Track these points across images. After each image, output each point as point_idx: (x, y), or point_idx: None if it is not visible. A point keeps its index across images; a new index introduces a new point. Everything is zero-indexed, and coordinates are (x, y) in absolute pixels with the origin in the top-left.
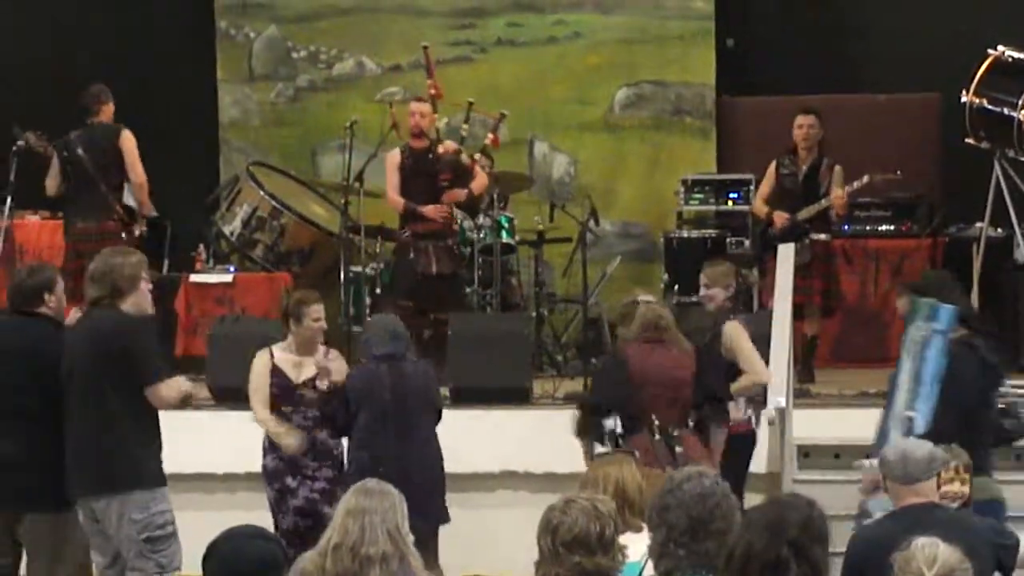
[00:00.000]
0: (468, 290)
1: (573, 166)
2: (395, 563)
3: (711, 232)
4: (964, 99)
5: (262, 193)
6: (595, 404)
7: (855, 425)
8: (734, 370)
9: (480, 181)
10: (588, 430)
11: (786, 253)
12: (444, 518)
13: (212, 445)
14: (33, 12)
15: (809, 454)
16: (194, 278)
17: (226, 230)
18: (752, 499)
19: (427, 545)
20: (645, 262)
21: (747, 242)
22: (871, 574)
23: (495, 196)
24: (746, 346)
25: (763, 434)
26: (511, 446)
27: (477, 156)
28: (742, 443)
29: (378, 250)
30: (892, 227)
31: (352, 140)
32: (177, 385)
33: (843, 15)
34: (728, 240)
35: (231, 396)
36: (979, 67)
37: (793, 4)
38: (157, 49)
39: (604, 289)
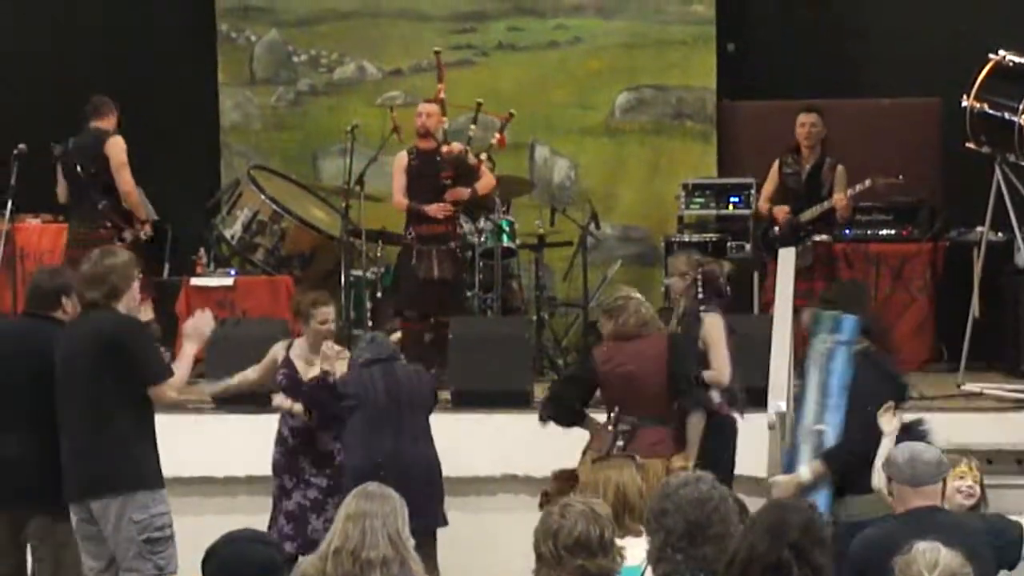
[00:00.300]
0: (469, 294)
1: (574, 170)
2: (396, 567)
3: (712, 236)
4: (965, 103)
5: (263, 197)
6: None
7: None
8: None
9: (486, 181)
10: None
11: (787, 257)
12: (441, 522)
13: (212, 448)
14: (34, 14)
15: None
16: (195, 281)
17: (227, 234)
18: (753, 503)
19: (424, 549)
20: (646, 266)
21: (748, 246)
22: (869, 573)
23: (497, 200)
24: (719, 342)
25: (764, 437)
26: (512, 450)
27: (483, 156)
28: (718, 427)
29: (379, 254)
30: (893, 231)
31: (353, 144)
32: (178, 381)
33: (844, 19)
34: (729, 244)
35: (231, 399)
36: (980, 72)
37: (794, 8)
38: (158, 52)
39: (604, 293)
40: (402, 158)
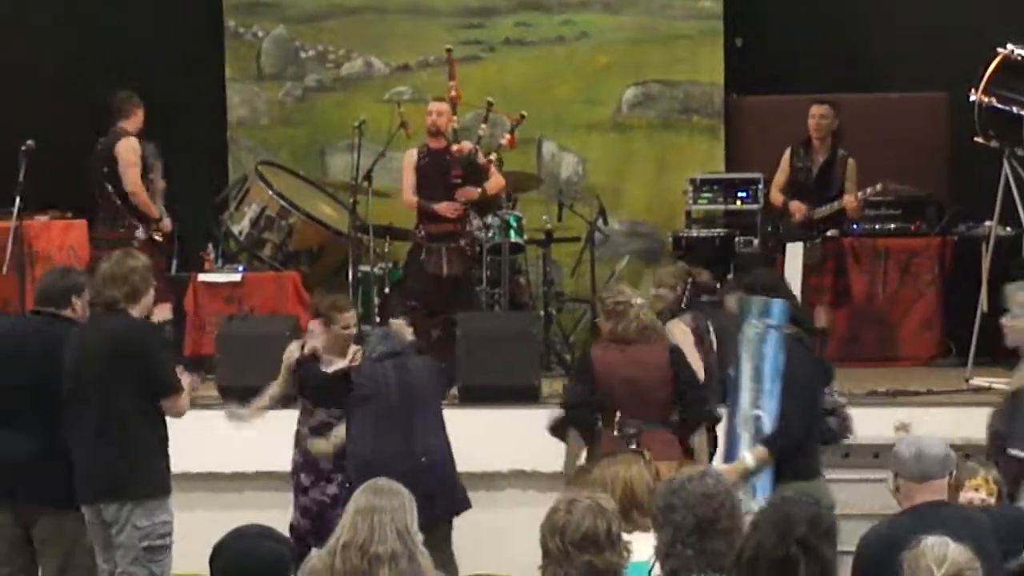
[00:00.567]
0: (477, 289)
1: (581, 165)
2: (404, 562)
3: (720, 231)
4: (973, 98)
5: (271, 192)
6: (565, 403)
7: (864, 424)
8: None
9: (495, 182)
10: (562, 430)
11: (795, 252)
12: (461, 506)
13: (220, 444)
14: (41, 10)
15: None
16: (203, 277)
17: (235, 229)
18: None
19: (441, 539)
20: (653, 261)
21: (756, 241)
22: (882, 572)
23: (504, 196)
24: (687, 348)
25: None
26: (520, 445)
27: (492, 156)
28: None
29: (386, 250)
30: (901, 226)
31: (360, 139)
32: (187, 391)
33: (852, 14)
34: (737, 239)
35: (240, 395)
36: (988, 66)
37: (801, 2)
38: (165, 47)
39: (607, 289)
40: (411, 156)
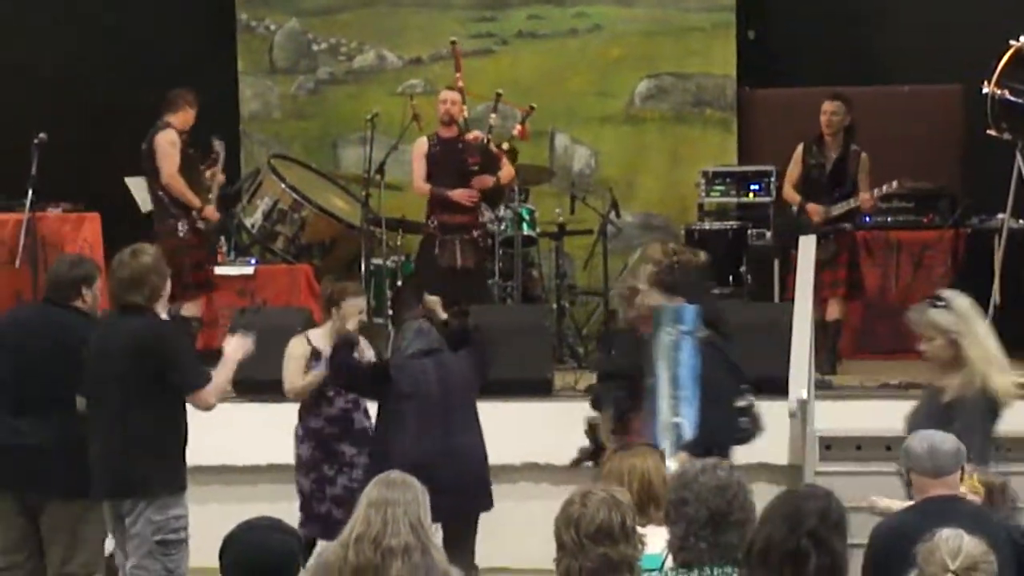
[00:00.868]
0: (489, 282)
1: (594, 158)
2: (417, 555)
3: (732, 224)
4: (986, 90)
5: (283, 186)
6: (610, 372)
7: (877, 417)
8: None
9: (507, 172)
10: (604, 401)
11: (807, 245)
12: (490, 504)
13: (234, 437)
14: (54, 4)
15: (831, 446)
16: (215, 270)
17: (247, 223)
18: (774, 491)
19: (469, 535)
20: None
21: (768, 234)
22: (894, 565)
23: (516, 188)
24: None
25: (785, 425)
26: (533, 438)
27: (504, 146)
28: None
29: (399, 242)
30: (914, 218)
31: (373, 132)
32: (219, 386)
33: (864, 6)
34: (750, 232)
35: (253, 388)
36: (1001, 58)
37: None
38: (178, 41)
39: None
40: (422, 144)
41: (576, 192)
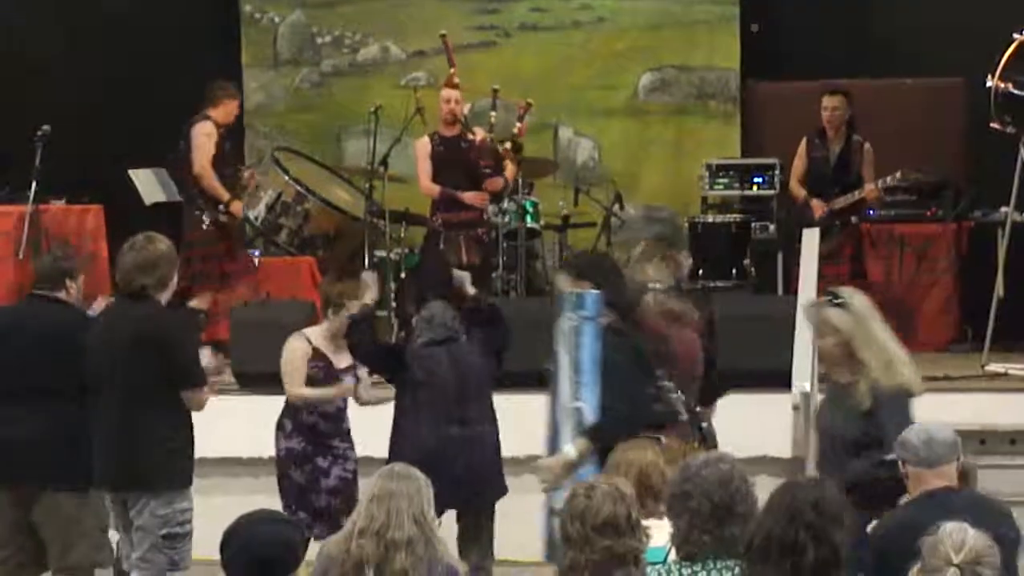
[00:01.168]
0: (493, 275)
1: (598, 151)
2: (420, 547)
3: (736, 217)
4: (989, 83)
5: (287, 178)
6: None
7: None
8: None
9: (510, 171)
10: None
11: (811, 238)
12: (504, 490)
13: (237, 429)
14: None
15: None
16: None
17: (251, 215)
18: (777, 484)
19: (487, 523)
20: (669, 247)
21: (772, 226)
22: (897, 560)
23: (520, 181)
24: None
25: (788, 418)
26: (536, 430)
27: (508, 145)
28: None
29: (402, 235)
30: (917, 212)
31: (377, 125)
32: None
33: (868, 0)
34: (753, 225)
35: (255, 381)
36: (1004, 51)
37: None
38: (182, 33)
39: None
40: (425, 144)
41: (580, 185)
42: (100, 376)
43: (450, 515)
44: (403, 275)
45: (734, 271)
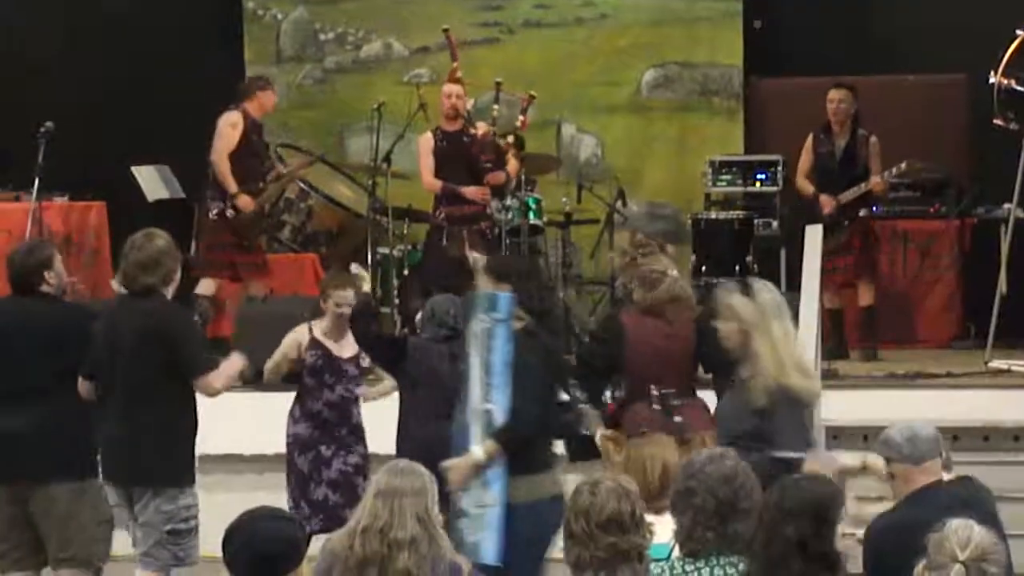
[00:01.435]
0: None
1: (600, 147)
2: (424, 546)
3: (739, 213)
4: (992, 80)
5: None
6: (589, 363)
7: (884, 406)
8: None
9: (512, 166)
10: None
11: (814, 233)
12: None
13: (240, 426)
14: None
15: (838, 436)
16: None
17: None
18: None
19: None
20: (673, 243)
21: (775, 223)
22: (893, 560)
23: (523, 177)
24: None
25: None
26: None
27: (510, 139)
28: None
29: (405, 231)
30: (920, 208)
31: (380, 121)
32: (229, 372)
33: None
34: (756, 221)
35: (259, 377)
36: (1008, 48)
37: None
38: (184, 30)
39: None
40: (428, 139)
41: (583, 181)
42: (105, 372)
43: None
44: (406, 272)
45: (737, 268)
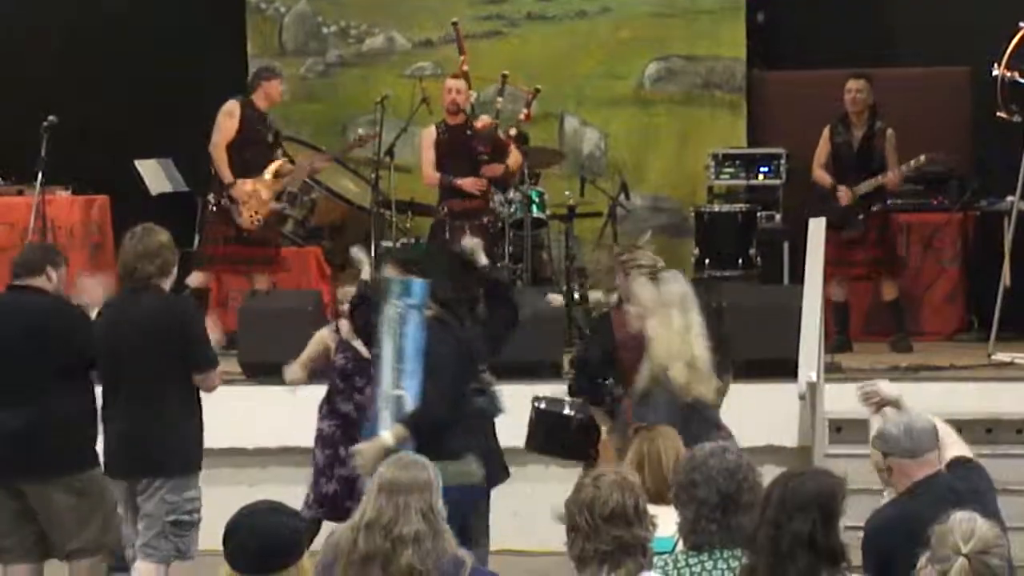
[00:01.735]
0: (499, 265)
1: (603, 141)
2: (428, 542)
3: (742, 206)
4: (996, 72)
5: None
6: (583, 360)
7: None
8: None
9: (514, 159)
10: (580, 389)
11: (817, 227)
12: (496, 478)
13: (243, 420)
14: None
15: (841, 428)
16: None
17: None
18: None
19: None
20: (676, 236)
21: (778, 216)
22: (892, 554)
23: (526, 171)
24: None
25: (795, 407)
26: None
27: (512, 132)
28: None
29: (408, 225)
30: (923, 201)
31: (382, 115)
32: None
33: None
34: (759, 214)
35: (262, 371)
36: (1011, 40)
37: None
38: (186, 23)
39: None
40: (431, 133)
41: (586, 174)
42: (108, 369)
43: None
44: None
45: (740, 261)
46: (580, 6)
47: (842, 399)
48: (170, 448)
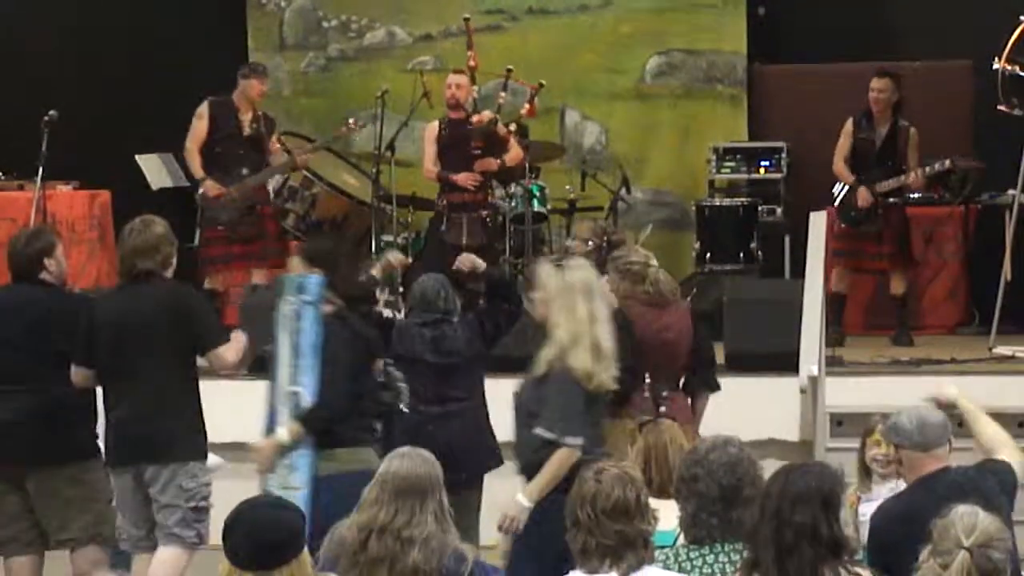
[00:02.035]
0: (500, 260)
1: (604, 135)
2: (436, 541)
3: (743, 200)
4: (996, 66)
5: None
6: None
7: (888, 393)
8: None
9: (515, 154)
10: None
11: (818, 221)
12: (487, 468)
13: (245, 414)
14: None
15: (842, 422)
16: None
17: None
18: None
19: (473, 502)
20: (677, 230)
21: (779, 210)
22: (901, 548)
23: (527, 165)
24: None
25: (795, 401)
26: None
27: (512, 127)
28: None
29: (409, 219)
30: (924, 195)
31: (383, 109)
32: (237, 345)
33: None
34: (760, 208)
35: (264, 365)
36: (1012, 34)
37: None
38: (188, 18)
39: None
40: (433, 128)
41: (587, 168)
42: (110, 359)
43: None
44: (410, 259)
45: (741, 255)
46: (581, 1)
47: (843, 393)
48: (177, 434)
